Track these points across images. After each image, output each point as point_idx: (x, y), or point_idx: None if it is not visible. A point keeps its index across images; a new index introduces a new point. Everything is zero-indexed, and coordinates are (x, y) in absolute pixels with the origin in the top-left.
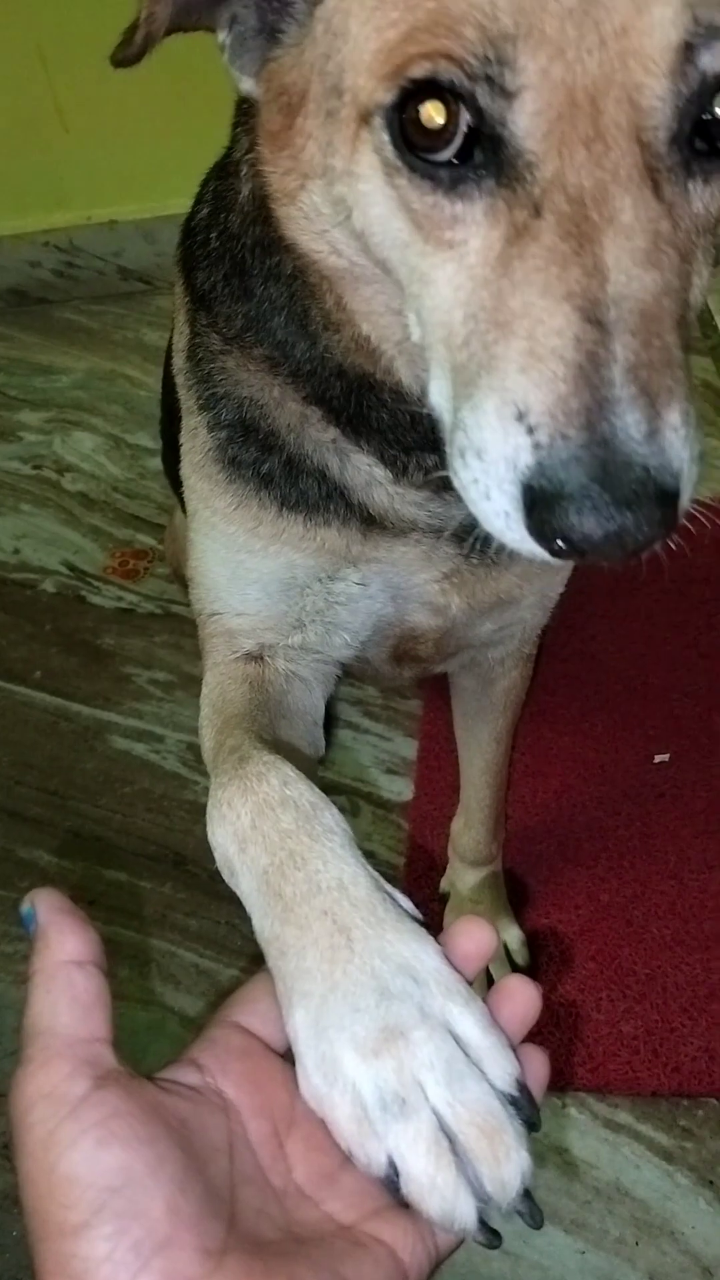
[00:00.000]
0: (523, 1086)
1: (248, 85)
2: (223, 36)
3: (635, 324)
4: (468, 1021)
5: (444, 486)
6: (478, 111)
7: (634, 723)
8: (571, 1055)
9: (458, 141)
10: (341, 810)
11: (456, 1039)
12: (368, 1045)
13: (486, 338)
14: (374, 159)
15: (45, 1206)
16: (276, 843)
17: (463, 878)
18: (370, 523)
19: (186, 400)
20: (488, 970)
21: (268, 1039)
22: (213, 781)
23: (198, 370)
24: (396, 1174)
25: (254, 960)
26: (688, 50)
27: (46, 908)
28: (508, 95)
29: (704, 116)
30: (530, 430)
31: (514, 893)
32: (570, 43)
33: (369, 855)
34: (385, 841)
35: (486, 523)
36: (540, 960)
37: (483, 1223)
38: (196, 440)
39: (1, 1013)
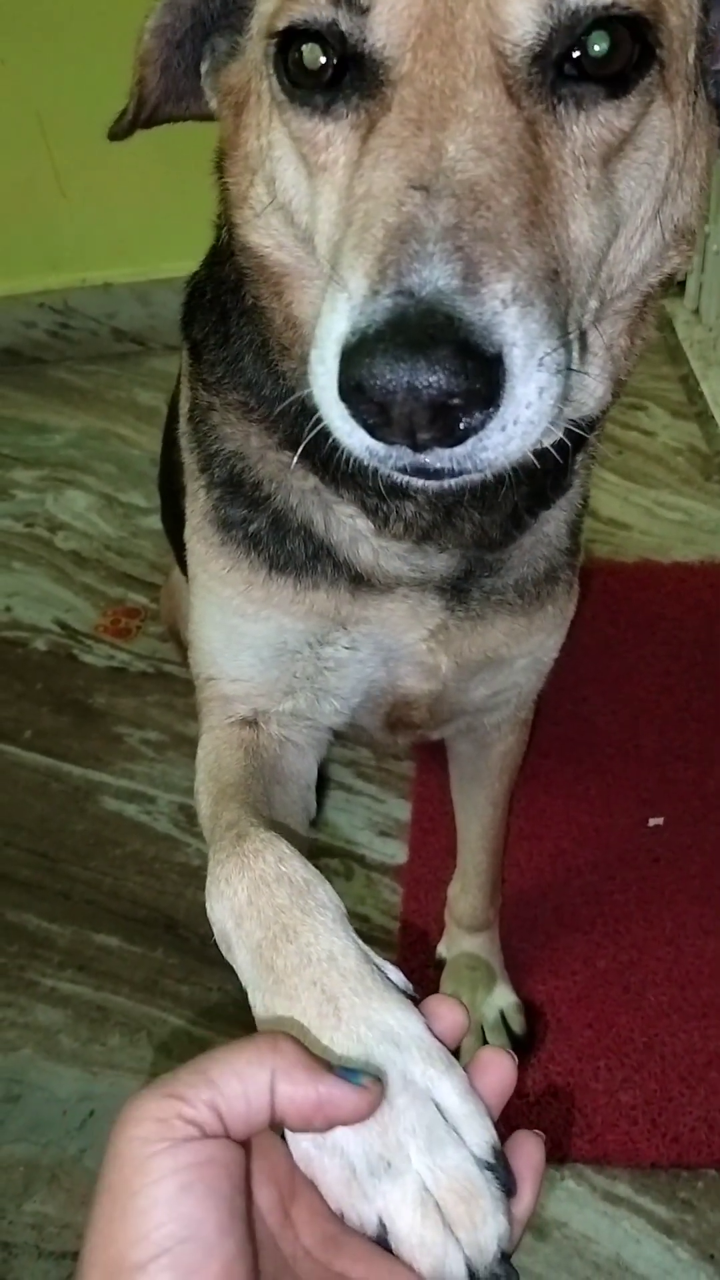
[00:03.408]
0: (499, 1153)
1: (214, 102)
2: (205, 66)
3: (463, 193)
4: (447, 1088)
5: (424, 537)
6: (341, 39)
7: (628, 786)
8: (569, 1126)
9: (330, 73)
10: (334, 873)
11: (437, 1105)
12: None
13: (340, 238)
14: (277, 116)
15: (113, 1230)
16: (271, 917)
17: (459, 943)
18: (358, 581)
19: (189, 464)
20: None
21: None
22: (211, 857)
23: (196, 432)
24: (387, 1231)
25: (246, 1029)
26: None
27: (340, 1089)
28: (362, 11)
29: (575, 54)
30: (349, 298)
31: (510, 958)
32: None
33: (362, 919)
34: (378, 905)
35: (324, 414)
36: (536, 1028)
37: (474, 1275)
38: (196, 503)
39: None
